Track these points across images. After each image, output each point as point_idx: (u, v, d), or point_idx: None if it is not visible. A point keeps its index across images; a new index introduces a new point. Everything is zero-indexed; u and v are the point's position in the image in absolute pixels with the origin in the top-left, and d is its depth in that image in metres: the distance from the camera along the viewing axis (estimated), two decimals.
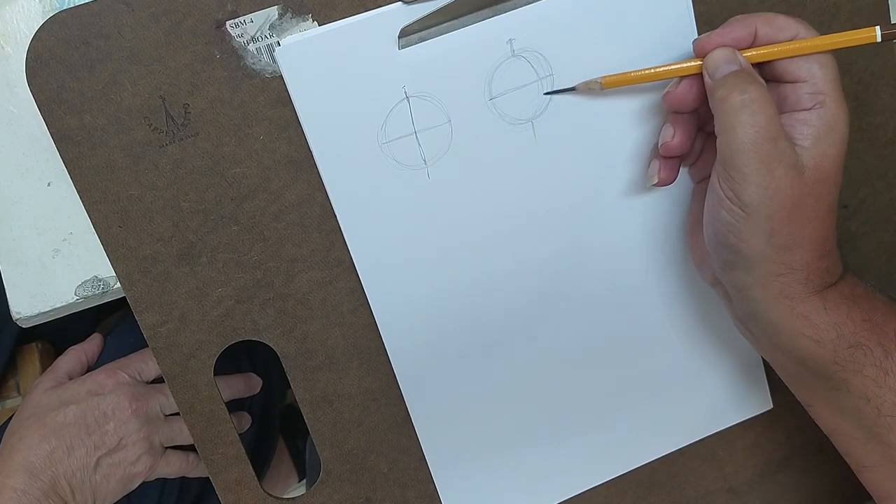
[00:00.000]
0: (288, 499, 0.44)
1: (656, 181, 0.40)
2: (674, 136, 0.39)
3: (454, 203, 0.40)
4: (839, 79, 0.35)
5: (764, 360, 0.47)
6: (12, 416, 0.50)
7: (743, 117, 0.34)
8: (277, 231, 0.40)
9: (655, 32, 0.40)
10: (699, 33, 0.41)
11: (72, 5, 0.38)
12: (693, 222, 0.42)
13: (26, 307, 0.41)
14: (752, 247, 0.35)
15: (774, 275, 0.35)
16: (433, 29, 0.38)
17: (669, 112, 0.39)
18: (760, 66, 0.37)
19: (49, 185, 0.41)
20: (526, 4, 0.38)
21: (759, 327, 0.38)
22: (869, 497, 0.39)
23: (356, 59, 0.37)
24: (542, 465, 0.46)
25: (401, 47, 0.38)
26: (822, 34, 0.35)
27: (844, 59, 0.44)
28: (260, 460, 0.75)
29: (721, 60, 0.36)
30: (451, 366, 0.43)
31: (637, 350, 0.45)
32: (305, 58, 0.37)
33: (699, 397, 0.47)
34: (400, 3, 0.37)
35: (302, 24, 0.37)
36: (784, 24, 0.36)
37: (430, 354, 0.43)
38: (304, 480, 0.96)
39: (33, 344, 0.63)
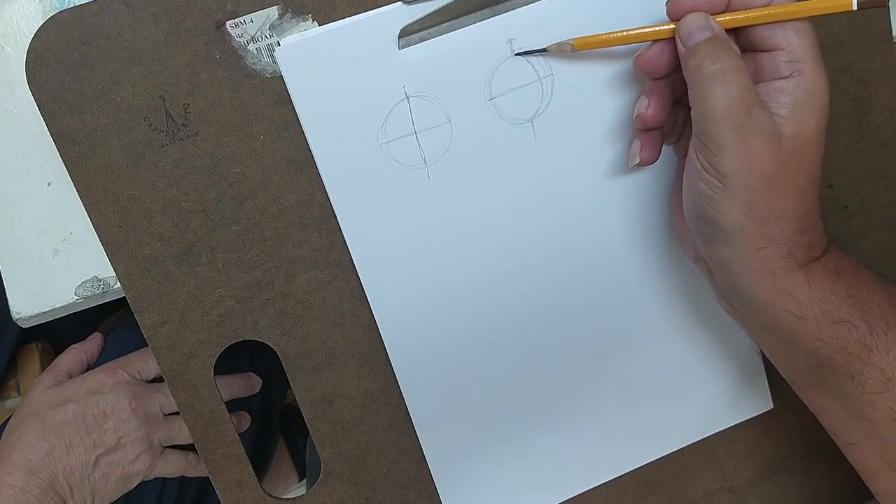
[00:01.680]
0: (288, 499, 0.44)
1: (638, 161, 0.39)
2: (648, 107, 0.38)
3: (454, 203, 0.40)
4: (817, 46, 0.34)
5: (765, 360, 0.47)
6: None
7: (716, 86, 0.33)
8: (277, 231, 0.40)
9: None
10: None
11: (72, 5, 0.38)
12: (675, 197, 0.42)
13: (26, 307, 0.41)
14: (731, 219, 0.34)
15: (755, 248, 0.35)
16: (433, 29, 0.38)
17: (645, 83, 0.39)
18: (735, 33, 0.36)
19: (49, 185, 0.41)
20: (526, 4, 0.38)
21: (742, 303, 0.37)
22: (870, 496, 0.39)
23: (356, 59, 0.37)
24: (542, 465, 0.46)
25: (401, 47, 0.38)
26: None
27: (844, 59, 0.44)
28: (260, 460, 0.75)
29: (694, 27, 0.35)
30: (451, 366, 0.43)
31: (637, 350, 0.45)
32: (305, 58, 0.37)
33: (699, 397, 0.47)
34: (400, 3, 0.37)
35: (302, 24, 0.37)
36: None
37: (430, 354, 0.43)
38: (304, 480, 0.96)
39: (33, 344, 0.63)
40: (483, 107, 0.39)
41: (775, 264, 0.35)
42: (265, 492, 0.43)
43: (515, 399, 0.44)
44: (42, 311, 0.41)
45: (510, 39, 0.39)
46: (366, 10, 0.37)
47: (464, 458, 0.45)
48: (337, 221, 0.40)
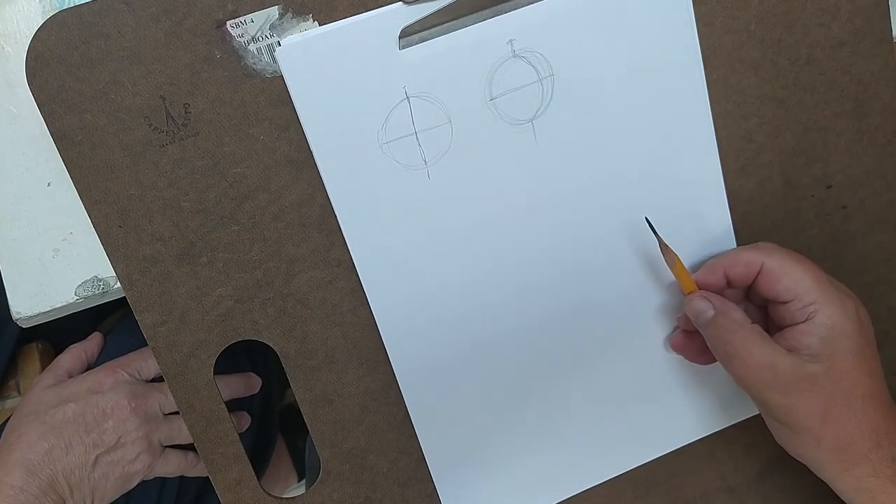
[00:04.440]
0: (288, 498, 0.44)
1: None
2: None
3: (454, 203, 0.40)
4: (824, 279, 0.37)
5: None
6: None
7: (735, 365, 0.37)
8: (277, 231, 0.40)
9: (656, 32, 0.40)
10: (699, 33, 0.41)
11: (72, 5, 0.38)
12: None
13: (26, 307, 0.41)
14: (808, 455, 0.37)
15: (842, 471, 0.36)
16: (433, 29, 0.38)
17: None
18: (750, 289, 0.40)
19: (49, 185, 0.41)
20: (526, 5, 0.38)
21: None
22: None
23: (356, 59, 0.37)
24: (542, 464, 0.46)
25: (401, 47, 0.38)
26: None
27: (844, 60, 0.44)
28: (259, 460, 0.75)
29: (697, 309, 0.40)
30: (450, 366, 0.43)
31: (636, 350, 0.45)
32: (306, 58, 0.37)
33: (698, 397, 0.47)
34: (400, 3, 0.37)
35: (302, 24, 0.37)
36: (749, 258, 0.39)
37: (430, 354, 0.43)
38: (304, 480, 0.96)
39: (33, 344, 0.63)
40: (483, 107, 0.39)
41: (867, 482, 0.36)
42: (265, 491, 0.43)
43: (514, 398, 0.45)
44: (42, 311, 0.41)
45: (510, 40, 0.39)
46: (366, 10, 0.37)
47: (463, 457, 0.45)
48: (337, 221, 0.40)
